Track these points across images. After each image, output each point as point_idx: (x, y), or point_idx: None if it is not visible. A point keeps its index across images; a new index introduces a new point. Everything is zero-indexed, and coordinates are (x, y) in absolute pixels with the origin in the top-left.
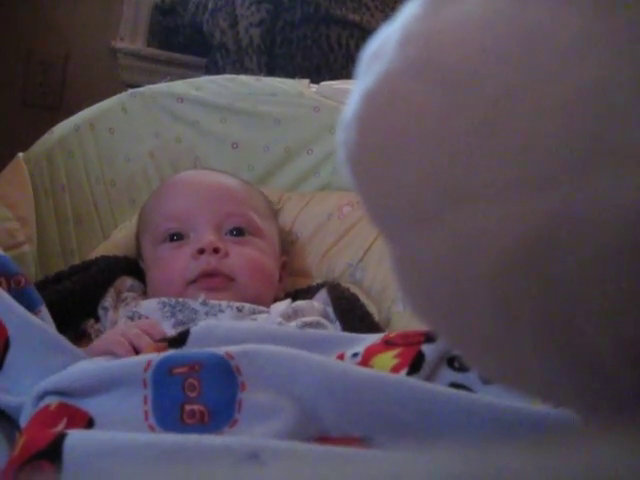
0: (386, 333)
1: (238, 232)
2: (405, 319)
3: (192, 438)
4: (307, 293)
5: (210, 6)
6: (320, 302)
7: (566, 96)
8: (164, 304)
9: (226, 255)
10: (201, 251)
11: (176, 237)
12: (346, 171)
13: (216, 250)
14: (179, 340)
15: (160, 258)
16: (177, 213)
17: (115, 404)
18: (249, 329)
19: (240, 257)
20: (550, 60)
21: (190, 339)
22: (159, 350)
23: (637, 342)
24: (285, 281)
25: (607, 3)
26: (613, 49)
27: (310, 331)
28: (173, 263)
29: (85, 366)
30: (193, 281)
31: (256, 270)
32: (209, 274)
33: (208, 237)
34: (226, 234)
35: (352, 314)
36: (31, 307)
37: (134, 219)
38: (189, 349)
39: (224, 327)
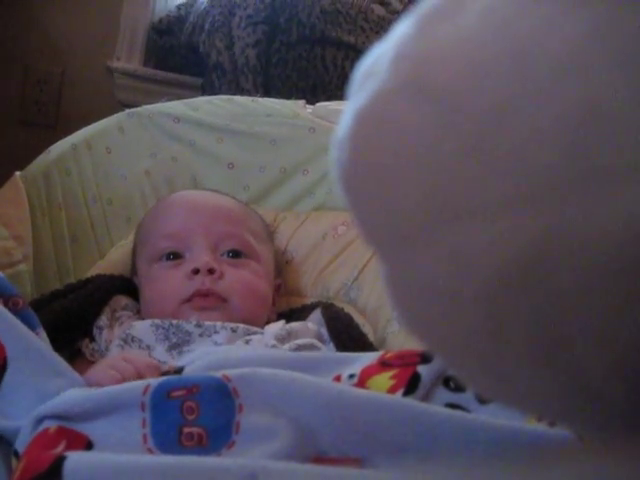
0: (382, 353)
1: (234, 254)
2: (400, 339)
3: (191, 460)
4: (301, 312)
5: (206, 27)
6: (314, 323)
7: (558, 114)
8: (157, 326)
9: (221, 276)
10: (196, 271)
11: (172, 256)
12: (339, 189)
13: (211, 271)
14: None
15: (155, 276)
16: (174, 232)
17: (114, 427)
18: (244, 357)
19: (235, 279)
20: (543, 78)
21: (185, 371)
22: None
23: (629, 360)
24: (277, 304)
25: (604, 21)
26: (609, 66)
27: (304, 354)
28: (168, 282)
29: (83, 391)
30: (186, 300)
31: (250, 293)
32: (203, 294)
33: (203, 258)
34: (222, 255)
35: (346, 335)
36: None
37: (130, 238)
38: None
39: (218, 358)
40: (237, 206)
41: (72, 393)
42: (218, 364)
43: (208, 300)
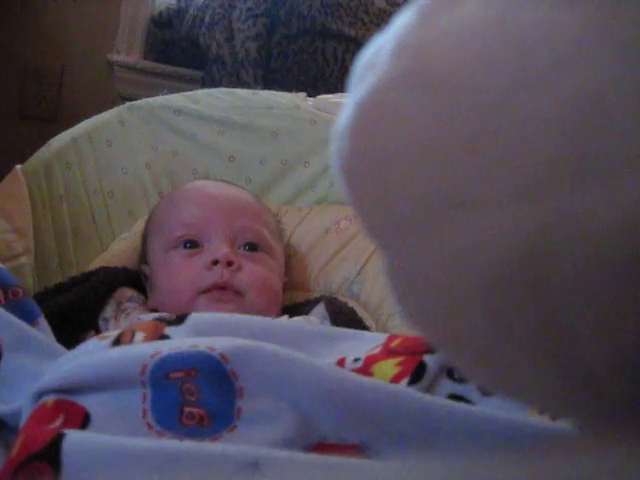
0: (388, 336)
1: (251, 247)
2: (402, 333)
3: (193, 446)
4: (304, 307)
5: (207, 19)
6: (317, 317)
7: (559, 104)
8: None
9: (239, 269)
10: (215, 262)
11: (190, 244)
12: (340, 181)
13: (230, 263)
14: (177, 321)
15: (171, 264)
16: (194, 221)
17: (113, 400)
18: (243, 323)
19: (251, 273)
20: (544, 68)
21: (188, 321)
22: (156, 327)
23: (630, 352)
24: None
25: (605, 10)
26: (609, 57)
27: (308, 326)
28: (185, 271)
29: (81, 361)
30: (203, 291)
31: (264, 288)
32: (220, 286)
33: (223, 249)
34: (240, 248)
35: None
36: (29, 319)
37: (132, 230)
38: (183, 341)
39: (223, 319)
40: (253, 200)
41: (69, 365)
42: (218, 323)
43: (225, 293)
